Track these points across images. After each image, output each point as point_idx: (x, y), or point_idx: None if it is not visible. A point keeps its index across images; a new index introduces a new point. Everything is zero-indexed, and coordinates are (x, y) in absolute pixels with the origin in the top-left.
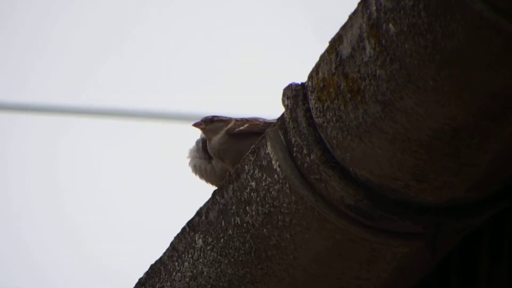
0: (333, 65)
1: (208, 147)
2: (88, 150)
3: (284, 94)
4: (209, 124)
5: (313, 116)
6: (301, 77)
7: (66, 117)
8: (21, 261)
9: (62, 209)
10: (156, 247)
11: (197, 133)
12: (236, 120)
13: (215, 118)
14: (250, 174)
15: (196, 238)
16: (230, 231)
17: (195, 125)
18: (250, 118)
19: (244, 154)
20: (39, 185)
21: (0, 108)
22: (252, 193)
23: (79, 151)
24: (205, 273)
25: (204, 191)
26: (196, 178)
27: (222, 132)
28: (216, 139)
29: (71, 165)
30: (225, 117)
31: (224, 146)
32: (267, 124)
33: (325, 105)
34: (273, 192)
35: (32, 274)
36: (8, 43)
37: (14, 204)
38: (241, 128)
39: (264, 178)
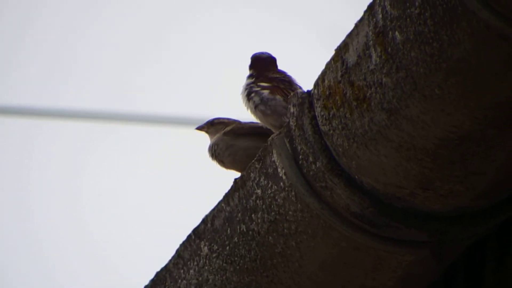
0: (339, 73)
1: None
2: (97, 155)
3: (290, 102)
4: (210, 127)
5: (319, 123)
6: (307, 85)
7: (81, 122)
8: (34, 263)
9: (75, 216)
10: (161, 254)
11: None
12: (239, 123)
13: (215, 121)
14: (256, 181)
15: (202, 246)
16: (236, 238)
17: (198, 128)
18: (255, 123)
19: (237, 156)
20: (56, 190)
21: (22, 114)
22: (257, 201)
23: (91, 156)
24: (210, 280)
25: (210, 198)
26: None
27: (219, 134)
28: (213, 140)
29: (84, 170)
30: (228, 119)
31: (217, 146)
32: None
33: (331, 113)
34: (278, 200)
35: (43, 275)
36: (33, 49)
37: (31, 208)
38: (233, 126)
39: (269, 185)
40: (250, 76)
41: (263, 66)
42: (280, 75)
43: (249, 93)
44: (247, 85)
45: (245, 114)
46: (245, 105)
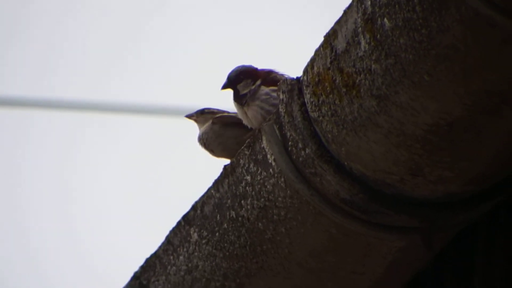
0: (328, 60)
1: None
2: (84, 144)
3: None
4: (200, 115)
5: (308, 110)
6: (296, 72)
7: (67, 113)
8: (23, 258)
9: (64, 204)
10: (151, 241)
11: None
12: (228, 113)
13: (206, 110)
14: (245, 168)
15: (191, 232)
16: (225, 225)
17: (188, 116)
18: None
19: (227, 144)
20: (44, 181)
21: (7, 104)
22: (247, 187)
23: (80, 145)
24: (200, 266)
25: (200, 184)
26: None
27: (208, 123)
28: (202, 129)
29: (72, 160)
30: (217, 110)
31: (207, 135)
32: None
33: (320, 99)
34: (268, 186)
35: (30, 264)
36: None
37: (20, 201)
38: (221, 115)
39: (259, 172)
40: (260, 85)
41: (261, 73)
42: (280, 77)
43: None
44: (267, 93)
45: (225, 103)
46: (260, 111)
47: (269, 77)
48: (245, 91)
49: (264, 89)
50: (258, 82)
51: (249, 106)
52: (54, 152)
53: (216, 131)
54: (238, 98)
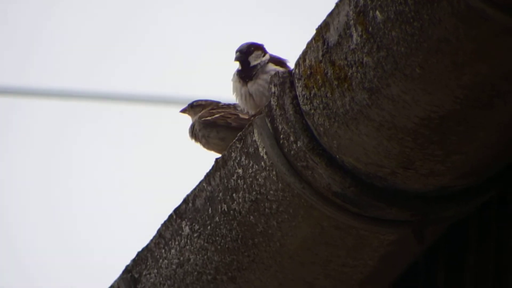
0: (320, 53)
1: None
2: (74, 135)
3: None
4: (190, 109)
5: (300, 103)
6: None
7: (58, 102)
8: (9, 257)
9: (52, 199)
10: (143, 235)
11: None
12: (218, 106)
13: (194, 103)
14: (237, 161)
15: (183, 225)
16: (217, 218)
17: (182, 111)
18: (234, 104)
19: (210, 137)
20: (30, 173)
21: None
22: (239, 180)
23: (66, 137)
24: (191, 260)
25: (191, 178)
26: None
27: (196, 116)
28: (192, 122)
29: (60, 151)
30: (206, 101)
31: (194, 127)
32: (240, 118)
33: (312, 92)
34: (260, 179)
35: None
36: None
37: (5, 195)
38: (208, 118)
39: (251, 165)
40: (268, 62)
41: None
42: (284, 60)
43: None
44: (275, 70)
45: (227, 95)
46: (266, 86)
47: (276, 57)
48: (256, 62)
49: (272, 66)
50: (267, 57)
51: (255, 81)
52: (42, 143)
53: (200, 124)
54: (245, 72)
